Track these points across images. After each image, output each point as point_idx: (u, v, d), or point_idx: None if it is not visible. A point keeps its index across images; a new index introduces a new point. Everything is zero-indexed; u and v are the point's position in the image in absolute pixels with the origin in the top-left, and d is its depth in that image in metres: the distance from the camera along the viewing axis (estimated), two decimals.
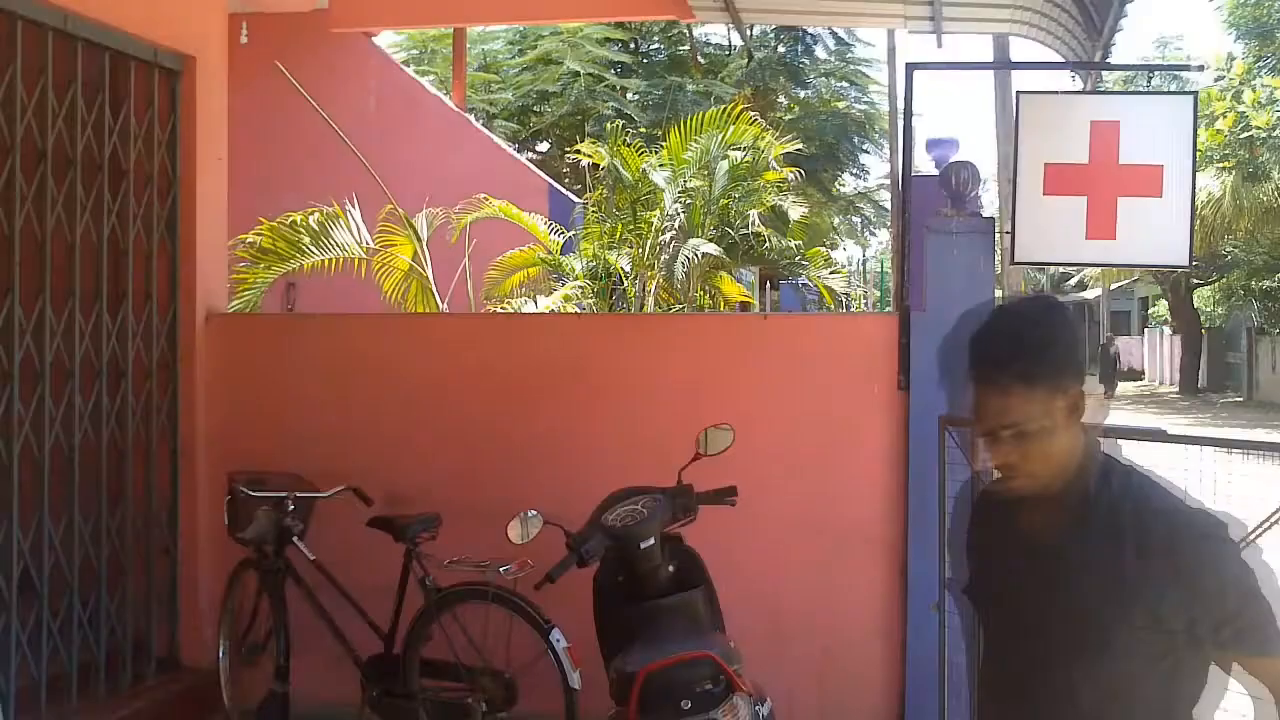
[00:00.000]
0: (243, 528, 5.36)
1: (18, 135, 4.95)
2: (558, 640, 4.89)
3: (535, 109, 22.95)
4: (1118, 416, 25.63)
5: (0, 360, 4.89)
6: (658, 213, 11.58)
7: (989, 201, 25.81)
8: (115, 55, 5.50)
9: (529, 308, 10.19)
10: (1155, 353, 43.22)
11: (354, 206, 8.60)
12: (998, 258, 5.68)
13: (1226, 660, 2.28)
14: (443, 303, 9.05)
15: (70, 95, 5.24)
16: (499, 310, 10.05)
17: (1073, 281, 45.65)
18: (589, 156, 13.04)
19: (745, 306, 13.04)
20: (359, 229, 8.58)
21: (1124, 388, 37.17)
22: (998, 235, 5.58)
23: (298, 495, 5.37)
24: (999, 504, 2.47)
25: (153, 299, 5.79)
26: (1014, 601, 2.42)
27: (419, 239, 8.91)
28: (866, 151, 26.75)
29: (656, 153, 12.76)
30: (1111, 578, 2.26)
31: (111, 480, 5.54)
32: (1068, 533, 2.33)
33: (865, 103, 26.48)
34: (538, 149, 22.78)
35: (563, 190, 17.16)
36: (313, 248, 8.27)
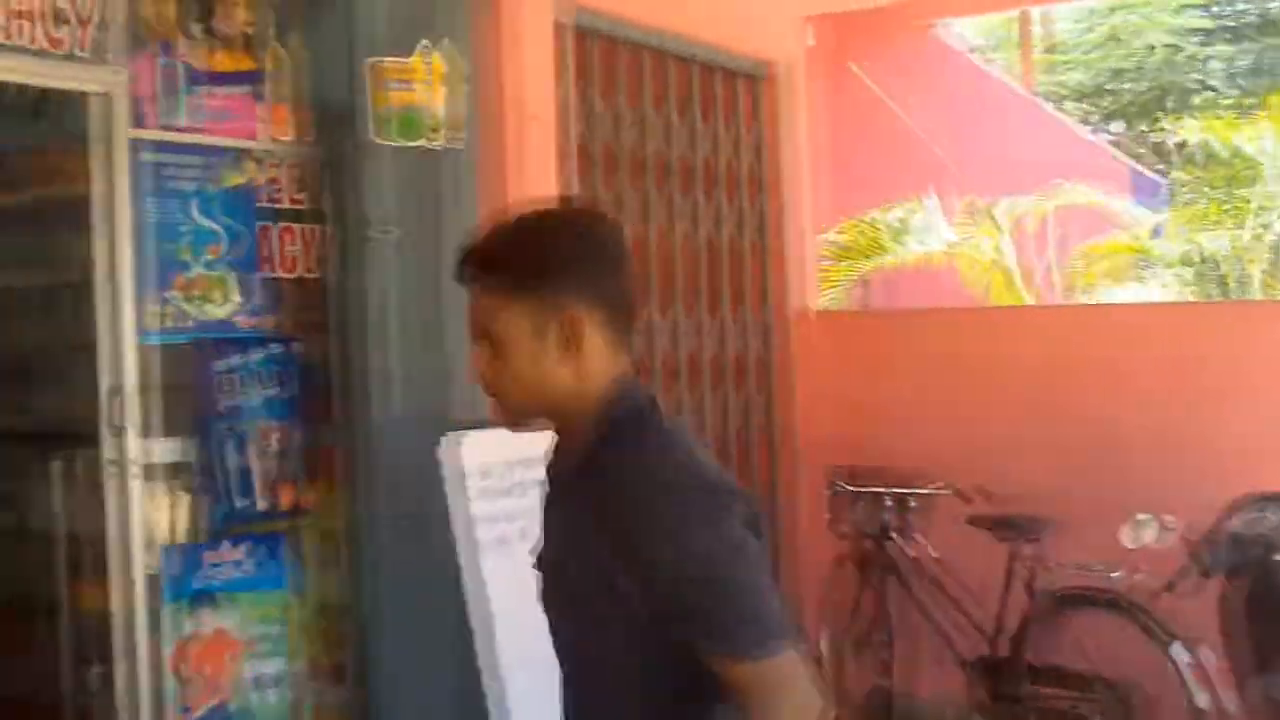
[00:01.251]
0: (842, 522, 5.47)
1: (648, 151, 5.35)
2: (1179, 655, 4.52)
3: (1108, 88, 21.71)
4: None
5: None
6: (1258, 189, 10.56)
7: None
8: (704, 67, 5.75)
9: (1120, 297, 9.62)
10: None
11: (932, 199, 8.53)
12: None
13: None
14: (1026, 294, 8.76)
15: (669, 109, 5.54)
16: (1094, 302, 9.58)
17: None
18: (1174, 133, 12.18)
19: None
20: (939, 223, 8.50)
21: None
22: None
23: (896, 491, 5.38)
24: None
25: (746, 298, 6.00)
26: (539, 564, 2.08)
27: (1000, 229, 8.68)
28: None
29: (1253, 123, 11.61)
30: (573, 538, 1.94)
31: None
32: (561, 487, 2.02)
33: None
34: (1111, 129, 21.53)
35: (1145, 171, 16.20)
36: (892, 243, 8.26)
